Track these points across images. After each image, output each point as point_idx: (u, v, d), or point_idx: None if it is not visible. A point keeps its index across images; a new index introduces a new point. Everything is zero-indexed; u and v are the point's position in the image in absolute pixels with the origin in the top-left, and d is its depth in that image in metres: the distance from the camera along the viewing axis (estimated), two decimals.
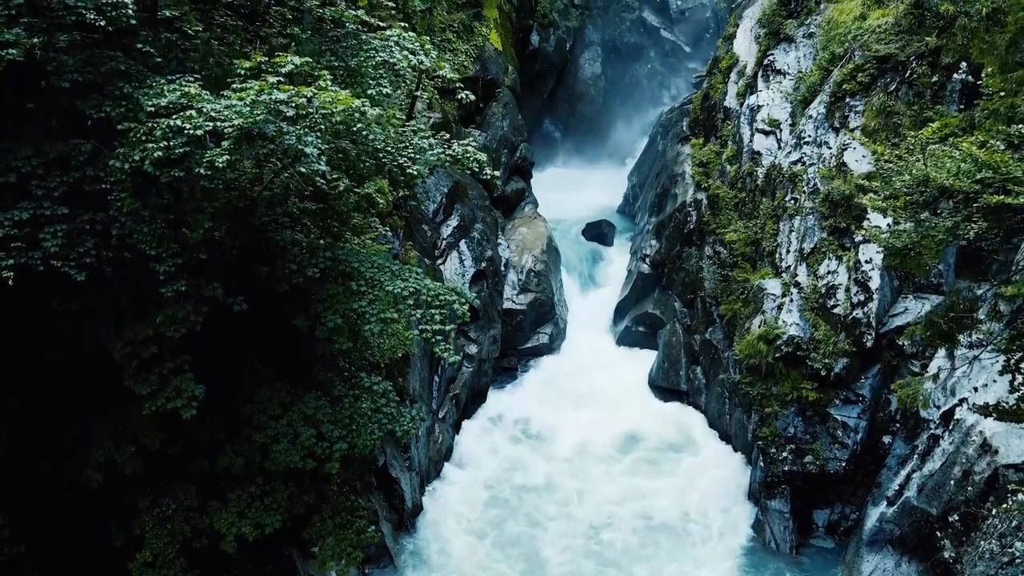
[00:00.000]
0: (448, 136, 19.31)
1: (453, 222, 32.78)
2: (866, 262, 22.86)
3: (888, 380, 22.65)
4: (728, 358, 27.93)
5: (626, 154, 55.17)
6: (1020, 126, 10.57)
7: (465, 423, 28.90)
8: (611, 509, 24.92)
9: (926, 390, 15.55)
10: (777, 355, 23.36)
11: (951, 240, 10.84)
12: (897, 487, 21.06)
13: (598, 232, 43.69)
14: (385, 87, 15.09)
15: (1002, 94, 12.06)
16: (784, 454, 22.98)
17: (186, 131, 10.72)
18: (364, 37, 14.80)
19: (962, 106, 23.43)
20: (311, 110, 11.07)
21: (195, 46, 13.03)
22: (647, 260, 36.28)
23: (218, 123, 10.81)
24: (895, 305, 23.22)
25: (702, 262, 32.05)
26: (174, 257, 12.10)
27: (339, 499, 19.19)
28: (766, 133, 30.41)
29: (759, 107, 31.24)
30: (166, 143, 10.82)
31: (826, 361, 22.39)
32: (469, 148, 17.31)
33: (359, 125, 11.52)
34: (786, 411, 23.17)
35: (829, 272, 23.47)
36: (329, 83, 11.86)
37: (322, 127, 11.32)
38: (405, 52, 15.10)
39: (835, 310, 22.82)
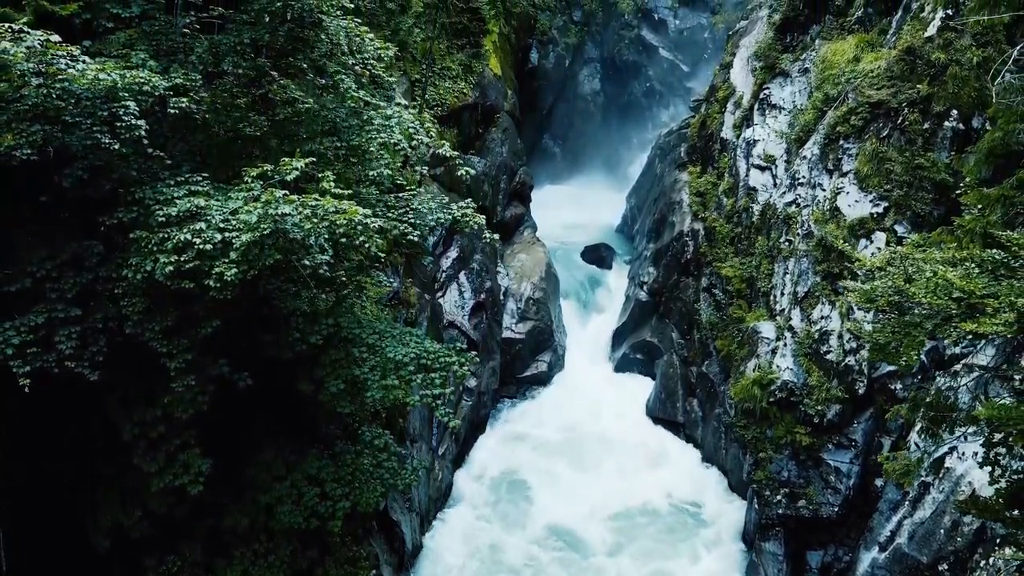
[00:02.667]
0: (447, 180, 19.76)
1: (453, 253, 33.12)
2: (859, 308, 23.20)
3: (881, 424, 23.04)
4: (724, 392, 28.32)
5: (625, 171, 55.54)
6: (995, 251, 10.97)
7: (465, 458, 29.27)
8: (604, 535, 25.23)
9: (913, 464, 15.91)
10: (771, 400, 23.76)
11: (931, 339, 11.23)
12: (889, 533, 21.46)
13: (597, 256, 44.08)
14: (385, 167, 15.49)
15: (976, 211, 12.45)
16: (779, 497, 23.38)
17: (196, 246, 11.12)
18: (366, 117, 15.17)
19: (953, 152, 23.81)
20: (315, 220, 11.45)
21: (203, 138, 13.43)
22: (645, 288, 36.65)
23: (227, 233, 11.21)
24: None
25: (699, 294, 32.45)
26: (184, 353, 12.51)
27: (341, 550, 19.66)
28: (762, 168, 30.79)
29: (755, 141, 31.61)
30: (176, 257, 11.21)
31: (819, 408, 22.78)
32: (467, 211, 17.69)
33: (362, 238, 11.90)
34: (780, 455, 23.57)
35: (822, 317, 23.84)
36: (332, 183, 12.25)
37: (325, 235, 11.70)
38: (406, 131, 15.49)
39: (828, 356, 23.21)
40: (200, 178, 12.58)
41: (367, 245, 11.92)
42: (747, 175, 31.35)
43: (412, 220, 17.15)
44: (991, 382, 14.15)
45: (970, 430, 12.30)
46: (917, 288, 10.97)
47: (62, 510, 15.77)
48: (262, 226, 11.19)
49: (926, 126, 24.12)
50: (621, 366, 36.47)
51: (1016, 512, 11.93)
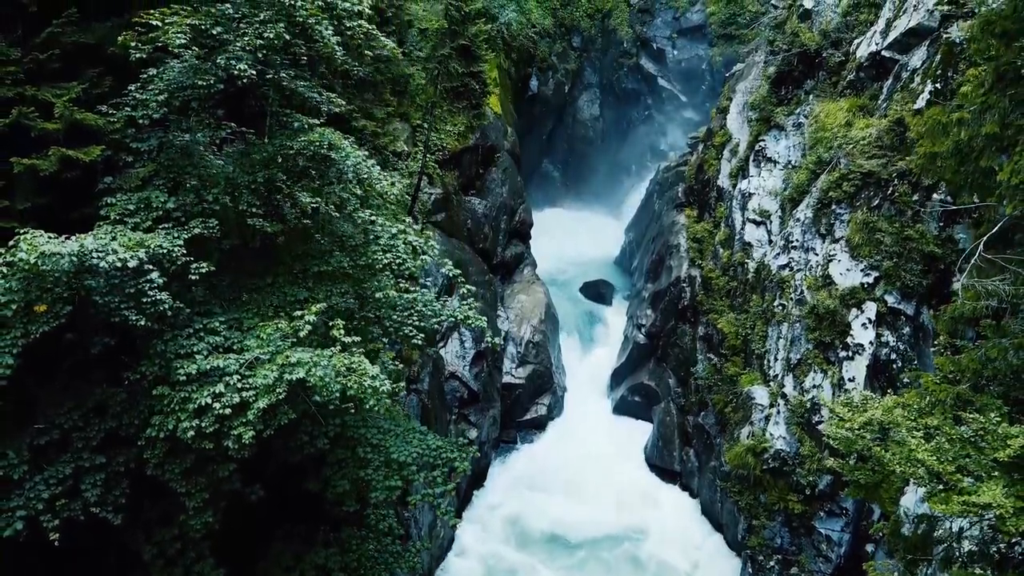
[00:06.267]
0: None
1: (454, 301, 33.62)
2: (849, 379, 23.85)
3: None
4: (719, 445, 28.97)
5: (623, 197, 56.12)
6: (964, 428, 11.59)
7: (465, 510, 29.93)
8: None
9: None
10: (764, 467, 24.41)
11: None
12: None
13: (596, 292, 44.72)
14: (391, 287, 16.17)
15: (948, 377, 13.11)
16: (772, 563, 24.07)
17: (215, 410, 11.77)
18: (372, 235, 15.80)
19: (941, 224, 24.38)
20: (327, 381, 12.09)
21: (222, 295, 14.12)
22: (643, 331, 37.27)
23: (245, 392, 11.87)
24: None
25: (695, 342, 33.10)
26: (202, 492, 13.17)
27: None
28: (757, 223, 31.40)
29: (750, 194, 32.22)
30: (197, 421, 11.87)
31: (811, 479, 23.44)
32: (471, 314, 18.30)
33: (371, 402, 12.54)
34: (773, 521, 24.24)
35: (814, 386, 24.47)
36: (342, 332, 12.89)
37: (336, 394, 12.31)
38: (408, 247, 16.13)
39: (819, 427, 23.83)
40: (218, 324, 13.23)
41: (374, 403, 12.53)
42: (743, 228, 31.96)
43: (415, 323, 17.77)
44: None
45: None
46: (891, 456, 11.60)
47: None
48: (278, 390, 11.84)
49: (915, 198, 24.68)
50: (619, 407, 37.12)
51: None
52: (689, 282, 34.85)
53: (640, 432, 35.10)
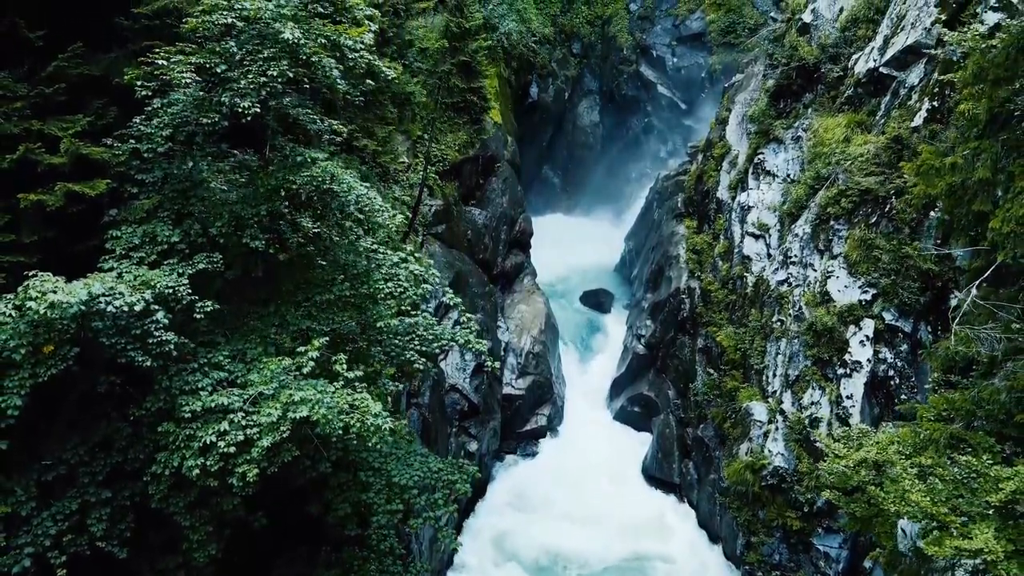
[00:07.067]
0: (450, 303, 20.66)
1: (453, 316, 33.82)
2: (847, 397, 24.02)
3: None
4: (719, 458, 29.15)
5: (622, 203, 56.23)
6: (957, 470, 11.79)
7: (465, 522, 30.12)
8: None
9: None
10: (763, 484, 24.60)
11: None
12: None
13: (596, 301, 44.91)
14: (390, 316, 16.37)
15: (943, 415, 13.29)
16: None
17: (220, 449, 11.95)
18: (374, 264, 15.99)
19: (938, 241, 24.53)
20: (330, 418, 12.28)
21: (225, 323, 14.30)
22: (642, 341, 37.45)
23: (249, 430, 12.05)
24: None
25: (695, 354, 33.29)
26: (205, 525, 13.36)
27: None
28: (756, 237, 31.56)
29: (749, 207, 32.37)
30: (203, 460, 12.05)
31: (809, 496, 23.62)
32: (471, 338, 18.50)
33: (374, 439, 12.73)
34: (771, 538, 24.44)
35: (812, 403, 24.64)
36: (344, 367, 13.09)
37: (339, 431, 12.51)
38: (410, 275, 16.33)
39: (817, 444, 23.98)
40: (222, 357, 13.41)
41: (376, 441, 12.71)
42: (741, 241, 32.12)
43: (417, 347, 17.97)
44: None
45: None
46: (886, 495, 11.79)
47: None
48: (282, 428, 12.03)
49: (912, 216, 24.83)
50: (619, 416, 37.32)
51: None
52: (688, 294, 35.03)
53: (640, 443, 35.28)
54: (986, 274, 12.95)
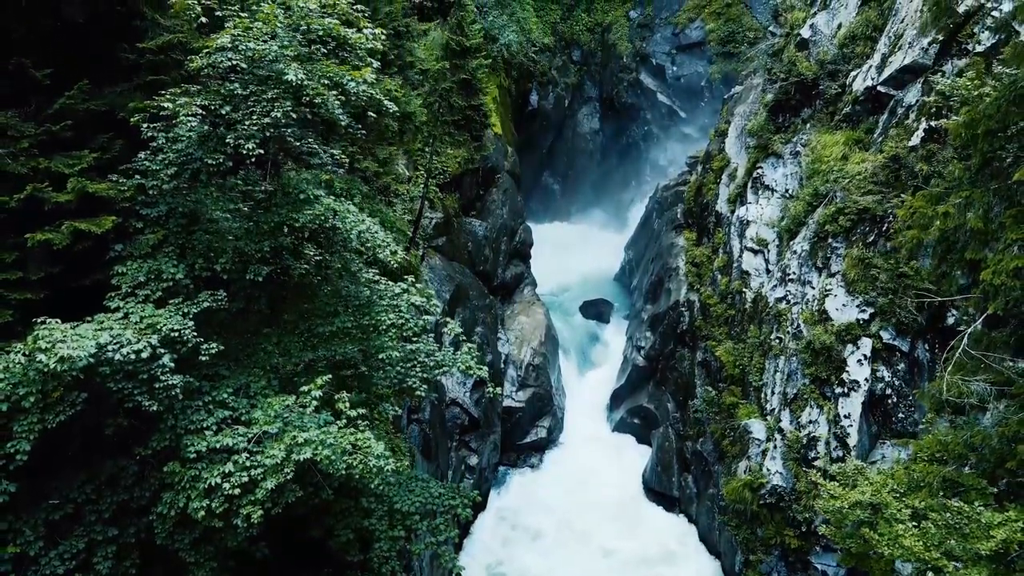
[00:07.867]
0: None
1: (455, 329, 33.95)
2: (845, 416, 24.20)
3: None
4: (718, 473, 29.35)
5: (622, 210, 56.46)
6: (949, 515, 11.98)
7: (465, 539, 30.32)
8: None
9: None
10: (761, 502, 24.80)
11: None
12: None
13: (596, 311, 45.11)
14: (392, 347, 16.58)
15: (936, 456, 13.47)
16: None
17: (225, 491, 12.15)
18: (376, 295, 16.20)
19: (936, 260, 24.67)
20: (333, 459, 12.49)
21: (229, 355, 14.50)
22: (642, 353, 37.65)
23: (253, 471, 12.25)
24: (873, 452, 24.57)
25: (694, 367, 33.48)
26: (210, 561, 13.56)
27: None
28: (754, 252, 31.74)
29: (748, 222, 32.54)
30: (208, 501, 12.26)
31: (807, 515, 23.80)
32: (471, 363, 18.69)
33: (376, 481, 12.93)
34: (770, 556, 24.64)
35: (811, 421, 24.83)
36: (347, 405, 13.28)
37: (342, 472, 12.72)
38: (412, 305, 16.56)
39: (815, 463, 24.21)
40: (226, 395, 13.60)
41: (378, 482, 12.92)
42: (740, 256, 32.30)
43: (419, 374, 18.18)
44: None
45: None
46: (880, 537, 11.99)
47: None
48: (286, 470, 12.23)
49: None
50: (619, 427, 37.56)
51: None
52: (688, 306, 35.23)
53: (639, 455, 35.50)
54: (977, 323, 13.12)
